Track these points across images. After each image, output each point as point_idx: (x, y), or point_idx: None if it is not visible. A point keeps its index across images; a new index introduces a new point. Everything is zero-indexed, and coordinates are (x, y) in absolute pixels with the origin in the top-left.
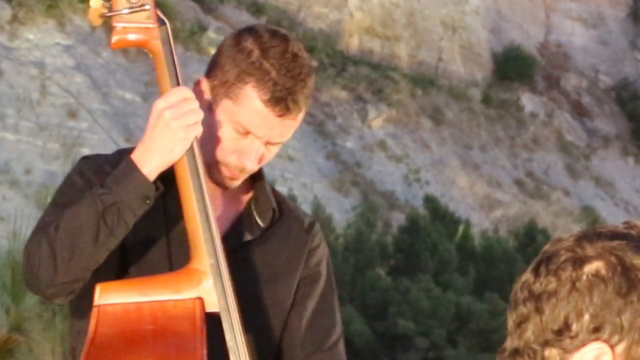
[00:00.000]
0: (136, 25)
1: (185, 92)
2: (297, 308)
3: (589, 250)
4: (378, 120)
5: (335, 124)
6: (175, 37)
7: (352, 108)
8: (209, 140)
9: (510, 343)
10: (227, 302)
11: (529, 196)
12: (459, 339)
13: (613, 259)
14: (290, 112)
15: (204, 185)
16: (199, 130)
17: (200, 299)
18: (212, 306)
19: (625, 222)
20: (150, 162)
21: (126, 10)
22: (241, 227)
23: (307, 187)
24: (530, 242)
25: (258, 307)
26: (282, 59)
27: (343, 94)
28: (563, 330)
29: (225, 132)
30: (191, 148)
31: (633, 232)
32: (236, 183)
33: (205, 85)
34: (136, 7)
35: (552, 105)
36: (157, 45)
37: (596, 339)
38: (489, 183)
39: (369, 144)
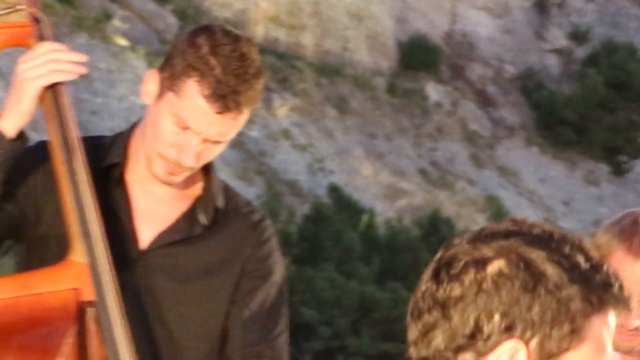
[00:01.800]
0: (10, 26)
1: (47, 46)
2: (241, 301)
3: (487, 251)
4: (283, 109)
5: None
6: (79, 25)
7: None
8: (151, 131)
9: (416, 353)
10: (103, 292)
11: (433, 185)
12: (362, 328)
13: (513, 256)
14: (229, 111)
15: (80, 177)
16: (54, 76)
17: (77, 289)
18: (89, 296)
19: (511, 220)
20: (5, 117)
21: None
22: (183, 224)
23: None
24: (434, 231)
25: (190, 301)
26: (230, 57)
27: None
28: (475, 333)
29: (166, 125)
30: (66, 139)
31: (523, 228)
32: (176, 179)
33: (155, 77)
34: (10, 8)
35: (456, 94)
36: (33, 43)
37: (509, 338)
38: (393, 172)
39: (274, 133)
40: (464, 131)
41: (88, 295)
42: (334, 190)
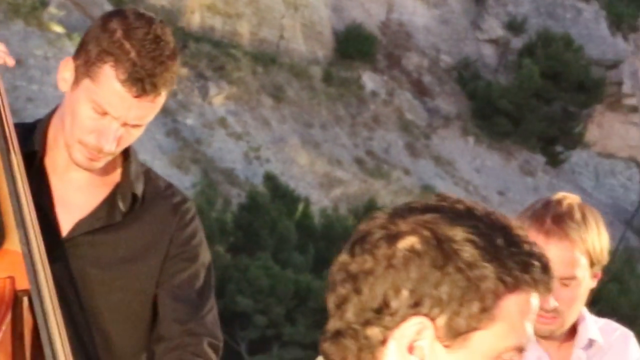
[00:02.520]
0: None
1: None
2: (167, 284)
3: (402, 225)
4: (219, 98)
5: (176, 101)
6: (16, 12)
7: (193, 85)
8: (70, 119)
9: (332, 325)
10: (37, 281)
11: (369, 175)
12: (298, 316)
13: (426, 232)
14: (147, 94)
15: (15, 165)
16: None
17: (12, 277)
18: (24, 284)
19: (437, 195)
20: None
21: None
22: (102, 212)
23: (147, 163)
24: None
25: (115, 287)
26: (144, 40)
27: (184, 71)
28: (382, 308)
29: (84, 112)
30: (1, 127)
31: (445, 204)
32: (97, 165)
33: (70, 65)
34: None
35: (393, 84)
36: None
37: (416, 314)
38: (329, 161)
39: (210, 121)
40: (400, 121)
41: (22, 283)
42: (270, 179)
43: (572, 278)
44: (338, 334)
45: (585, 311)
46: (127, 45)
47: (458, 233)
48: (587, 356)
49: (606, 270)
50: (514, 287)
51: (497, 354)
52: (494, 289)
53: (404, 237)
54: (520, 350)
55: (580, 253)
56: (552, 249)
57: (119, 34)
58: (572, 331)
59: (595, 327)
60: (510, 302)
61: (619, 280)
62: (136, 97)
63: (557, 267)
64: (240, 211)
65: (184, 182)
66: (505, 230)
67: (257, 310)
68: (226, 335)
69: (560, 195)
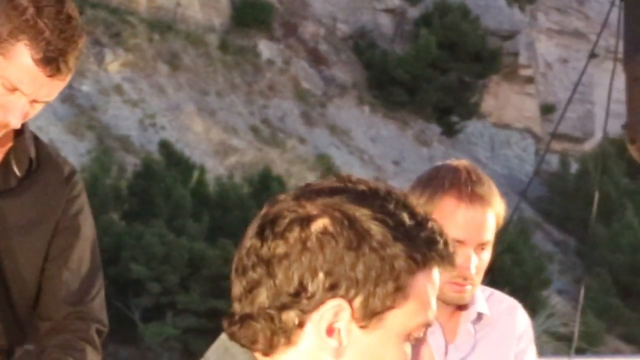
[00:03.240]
0: None
1: None
2: (57, 260)
3: (312, 208)
4: (115, 65)
5: None
6: None
7: (88, 52)
8: None
9: (240, 308)
10: None
11: (265, 143)
12: (192, 284)
13: (337, 214)
14: (60, 73)
15: None
16: None
17: None
18: None
19: (336, 176)
20: None
21: None
22: None
23: (42, 130)
24: (265, 188)
25: (12, 257)
26: (57, 19)
27: None
28: (299, 291)
29: None
30: None
31: (349, 185)
32: None
33: None
34: None
35: (289, 52)
36: None
37: (333, 296)
38: (224, 129)
39: (105, 88)
40: (296, 89)
41: None
42: (165, 146)
43: (489, 242)
44: (248, 318)
45: None
46: (41, 24)
47: (366, 213)
48: (475, 330)
49: (500, 241)
50: (423, 264)
51: (410, 331)
52: (406, 268)
53: (316, 220)
54: (428, 325)
55: (493, 217)
56: (474, 215)
57: (31, 11)
58: None
59: (483, 299)
60: (421, 279)
61: (513, 251)
62: (49, 76)
63: (479, 232)
64: (135, 178)
65: (79, 148)
66: (408, 208)
67: (151, 278)
68: (120, 303)
69: (458, 161)
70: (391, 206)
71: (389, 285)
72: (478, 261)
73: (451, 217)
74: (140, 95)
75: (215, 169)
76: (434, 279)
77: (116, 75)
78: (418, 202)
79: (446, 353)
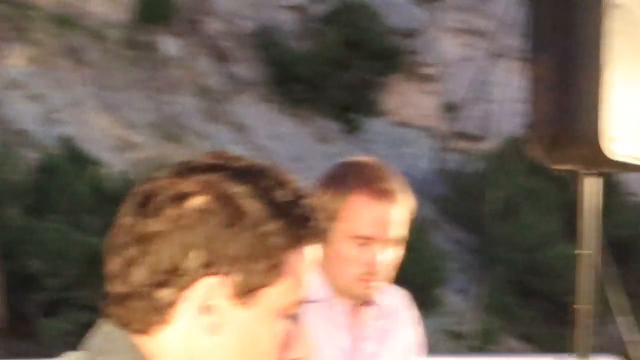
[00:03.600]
0: None
1: None
2: None
3: (187, 185)
4: (16, 59)
5: None
6: None
7: None
8: None
9: (116, 288)
10: None
11: (166, 139)
12: (90, 280)
13: (213, 191)
14: None
15: None
16: None
17: None
18: None
19: (210, 153)
20: None
21: None
22: None
23: None
24: None
25: None
26: None
27: None
28: (174, 269)
29: None
30: None
31: (225, 162)
32: None
33: None
34: None
35: (191, 48)
36: None
37: (208, 274)
38: (125, 125)
39: (6, 82)
40: (198, 86)
41: None
42: (65, 141)
43: (398, 239)
44: (125, 297)
45: None
46: None
47: (242, 190)
48: (380, 324)
49: None
50: (297, 241)
51: (284, 308)
52: (280, 245)
53: (191, 197)
54: (301, 302)
55: (402, 214)
56: (382, 211)
57: None
58: None
59: (385, 293)
60: (295, 257)
61: (411, 249)
62: None
63: (387, 228)
64: (34, 173)
65: None
66: (284, 185)
67: (49, 273)
68: (17, 298)
69: (367, 157)
70: (267, 183)
71: (264, 263)
72: (386, 258)
73: (360, 213)
74: (42, 90)
75: (115, 164)
76: (307, 256)
77: (17, 70)
78: (325, 199)
79: (356, 348)
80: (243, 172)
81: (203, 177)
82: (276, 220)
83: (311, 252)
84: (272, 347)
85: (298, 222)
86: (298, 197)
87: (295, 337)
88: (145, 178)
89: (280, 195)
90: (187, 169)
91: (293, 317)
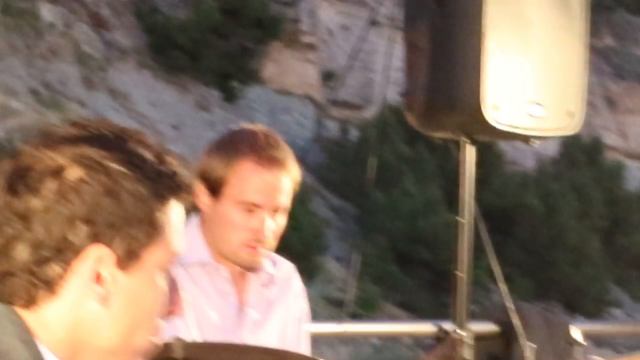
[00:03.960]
0: None
1: None
2: None
3: (60, 158)
4: None
5: None
6: None
7: None
8: None
9: None
10: None
11: (45, 106)
12: None
13: (87, 161)
14: None
15: None
16: None
17: None
18: None
19: (72, 123)
20: None
21: None
22: None
23: None
24: None
25: None
26: None
27: None
28: (59, 243)
29: None
30: None
31: (89, 130)
32: None
33: None
34: None
35: (70, 16)
36: None
37: (93, 243)
38: (4, 92)
39: None
40: (77, 53)
41: None
42: None
43: (285, 207)
44: (7, 275)
45: None
46: None
47: (111, 156)
48: (266, 291)
49: None
50: (168, 198)
51: (164, 265)
52: (155, 205)
53: (66, 169)
54: (177, 255)
55: (289, 182)
56: (271, 178)
57: None
58: None
59: (269, 261)
60: (167, 214)
61: (291, 216)
62: None
63: (275, 196)
64: None
65: None
66: (146, 145)
67: None
68: None
69: (255, 125)
70: (131, 146)
71: (143, 225)
72: (273, 225)
73: (248, 180)
74: None
75: None
76: (179, 212)
77: None
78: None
79: (241, 314)
80: (107, 138)
81: (74, 149)
82: (148, 181)
83: (180, 206)
84: (156, 304)
85: (166, 180)
86: (161, 155)
87: (171, 291)
88: (13, 154)
89: (146, 155)
90: (54, 141)
91: (167, 271)
